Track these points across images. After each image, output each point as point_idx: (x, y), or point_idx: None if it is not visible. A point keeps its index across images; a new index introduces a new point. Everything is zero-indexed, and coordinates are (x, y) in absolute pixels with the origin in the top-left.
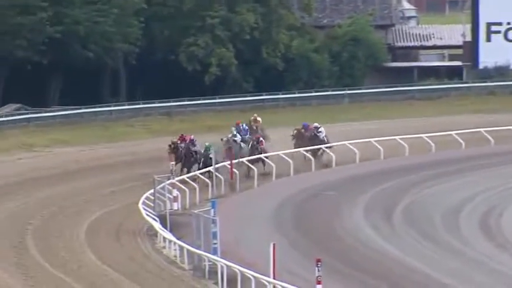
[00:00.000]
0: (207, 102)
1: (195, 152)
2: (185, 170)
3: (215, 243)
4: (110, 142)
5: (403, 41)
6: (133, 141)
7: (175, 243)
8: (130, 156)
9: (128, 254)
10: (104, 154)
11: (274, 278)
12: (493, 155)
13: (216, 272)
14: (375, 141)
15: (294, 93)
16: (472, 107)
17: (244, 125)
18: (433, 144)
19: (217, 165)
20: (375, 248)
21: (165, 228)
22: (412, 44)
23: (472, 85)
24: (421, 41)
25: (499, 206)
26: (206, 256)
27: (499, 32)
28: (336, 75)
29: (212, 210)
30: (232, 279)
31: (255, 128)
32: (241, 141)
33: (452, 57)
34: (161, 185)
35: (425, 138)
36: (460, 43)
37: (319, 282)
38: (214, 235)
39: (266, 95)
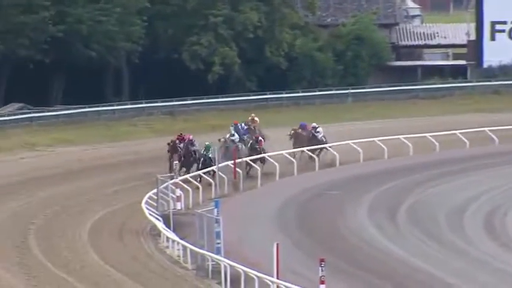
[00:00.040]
0: (210, 101)
1: (194, 151)
2: (184, 169)
3: (218, 243)
4: (113, 141)
5: (407, 39)
6: (136, 140)
7: (178, 243)
8: (133, 155)
9: (131, 253)
10: (106, 153)
11: (277, 278)
12: (498, 154)
13: (220, 272)
14: (379, 140)
15: (298, 92)
16: (476, 106)
17: (243, 125)
18: (437, 144)
19: (218, 165)
20: (379, 248)
21: (168, 227)
22: (416, 42)
23: (476, 84)
24: (425, 40)
25: (504, 206)
26: (209, 256)
27: (503, 30)
28: (340, 74)
29: (215, 210)
30: (235, 279)
31: (252, 128)
32: (238, 141)
33: (456, 56)
34: (164, 185)
35: (430, 137)
36: (464, 42)
37: (322, 282)
38: (218, 235)
39: (270, 94)
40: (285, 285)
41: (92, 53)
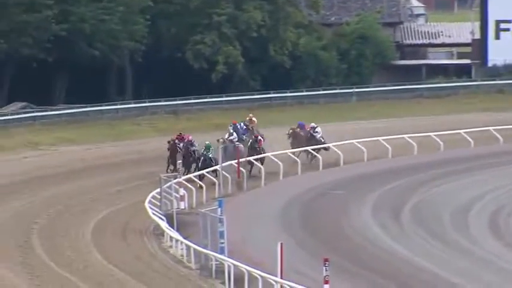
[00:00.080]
0: (213, 100)
1: (194, 151)
2: (183, 169)
3: (222, 243)
4: (116, 141)
5: (412, 38)
6: (140, 139)
7: (182, 242)
8: (136, 154)
9: (134, 253)
10: (110, 153)
11: (281, 278)
12: (502, 153)
13: (223, 272)
14: (383, 139)
15: (302, 91)
16: (480, 105)
17: (241, 124)
18: (441, 143)
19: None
20: (383, 247)
21: (172, 227)
22: (420, 41)
23: (480, 83)
24: (429, 39)
25: (508, 205)
26: (213, 255)
27: (508, 29)
28: (344, 73)
29: (219, 209)
30: (239, 279)
31: (250, 128)
32: (237, 140)
33: (460, 55)
34: (168, 184)
35: (434, 136)
36: (469, 41)
37: (326, 282)
38: (221, 234)
39: (273, 93)
40: (288, 285)
41: (95, 52)
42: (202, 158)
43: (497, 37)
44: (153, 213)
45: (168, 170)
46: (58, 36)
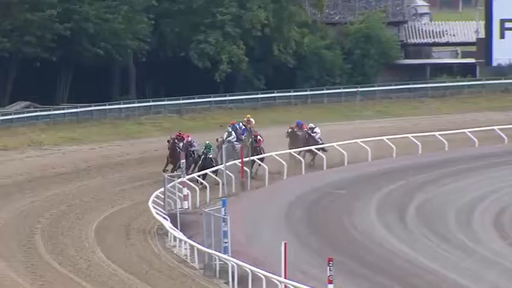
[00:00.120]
0: (217, 99)
1: (193, 152)
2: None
3: (226, 242)
4: (120, 140)
5: (416, 38)
6: (143, 139)
7: (185, 242)
8: (140, 154)
9: (138, 253)
10: (113, 152)
11: (285, 278)
12: (507, 153)
13: (227, 271)
14: (388, 139)
15: (306, 90)
16: (485, 104)
17: (240, 124)
18: (446, 142)
19: (225, 164)
20: (388, 247)
21: (176, 227)
22: (424, 41)
23: (485, 82)
24: (434, 38)
25: None
26: (217, 255)
27: None
28: (348, 73)
29: (223, 209)
30: (243, 279)
31: (248, 129)
32: (236, 140)
33: (465, 54)
34: (171, 184)
35: (438, 136)
36: (474, 40)
37: (330, 282)
38: (225, 234)
39: (277, 92)
40: (293, 285)
41: (99, 51)
42: (202, 158)
43: (502, 36)
44: (157, 213)
45: (166, 169)
46: (61, 35)
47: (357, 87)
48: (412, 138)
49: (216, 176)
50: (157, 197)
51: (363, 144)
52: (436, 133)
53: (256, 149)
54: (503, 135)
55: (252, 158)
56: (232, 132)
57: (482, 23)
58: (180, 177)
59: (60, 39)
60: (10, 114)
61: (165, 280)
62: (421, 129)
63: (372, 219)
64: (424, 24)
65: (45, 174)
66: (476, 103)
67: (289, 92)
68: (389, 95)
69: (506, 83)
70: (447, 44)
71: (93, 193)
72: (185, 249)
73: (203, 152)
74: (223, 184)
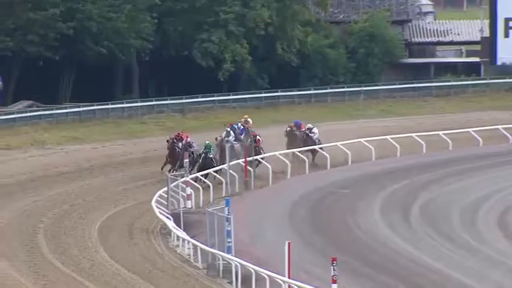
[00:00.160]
0: (220, 99)
1: (193, 152)
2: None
3: (229, 242)
4: (123, 139)
5: (420, 36)
6: (146, 138)
7: (189, 241)
8: (143, 153)
9: (141, 252)
10: (116, 151)
11: (289, 277)
12: (511, 152)
13: (230, 271)
14: (392, 138)
15: (310, 89)
16: (489, 103)
17: (239, 124)
18: (450, 142)
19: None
20: (392, 247)
21: (179, 226)
22: (429, 39)
23: (489, 81)
24: (438, 37)
25: None
26: (220, 255)
27: None
28: (352, 72)
29: (226, 209)
30: (246, 279)
31: (246, 129)
32: (234, 140)
33: (469, 53)
34: (174, 183)
35: (442, 135)
36: (478, 39)
37: (334, 281)
38: (229, 233)
39: (281, 91)
40: (296, 285)
41: (102, 50)
42: (202, 157)
43: (507, 35)
44: (160, 213)
45: (164, 168)
46: (64, 34)
47: (360, 87)
48: (416, 137)
49: (218, 175)
50: (160, 196)
51: (366, 144)
52: (440, 132)
53: (255, 149)
54: (508, 135)
55: (255, 157)
56: (231, 132)
57: (486, 21)
58: (183, 177)
59: (63, 38)
60: (13, 113)
61: (168, 280)
62: (425, 128)
63: (376, 219)
64: (428, 23)
65: (48, 173)
66: (480, 102)
67: (293, 91)
68: (394, 94)
69: (511, 82)
70: (451, 43)
71: (96, 192)
72: (188, 248)
73: (203, 151)
74: (226, 183)
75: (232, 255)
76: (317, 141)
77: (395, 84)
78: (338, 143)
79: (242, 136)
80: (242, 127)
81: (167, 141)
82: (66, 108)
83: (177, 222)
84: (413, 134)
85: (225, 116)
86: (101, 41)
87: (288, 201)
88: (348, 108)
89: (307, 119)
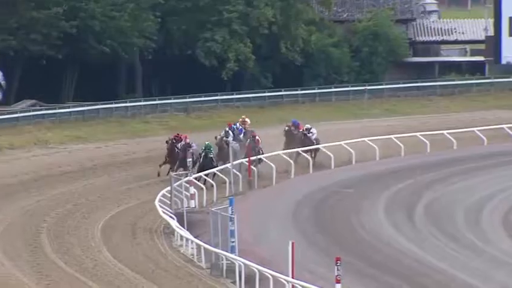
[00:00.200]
0: (224, 98)
1: (192, 153)
2: (180, 170)
3: (233, 242)
4: (126, 139)
5: (424, 35)
6: (150, 137)
7: (192, 241)
8: (146, 153)
9: (144, 252)
10: (119, 151)
11: (293, 277)
12: None
13: (234, 271)
14: (396, 137)
15: (314, 89)
16: (494, 102)
17: (237, 125)
18: (454, 141)
19: (232, 163)
20: (396, 247)
21: (182, 226)
22: (433, 38)
23: (494, 80)
24: (442, 36)
25: None
26: (224, 254)
27: None
28: (356, 71)
29: (230, 208)
30: (250, 278)
31: (244, 129)
32: (233, 139)
33: (474, 52)
34: (178, 183)
35: (447, 134)
36: (482, 38)
37: (338, 281)
38: (232, 233)
39: (285, 90)
40: (300, 285)
41: (105, 49)
42: (202, 157)
43: (511, 34)
44: (163, 212)
45: (162, 167)
46: (67, 33)
47: (364, 86)
48: (420, 136)
49: (221, 174)
50: (163, 195)
51: (370, 143)
52: (445, 131)
53: (254, 149)
54: None
55: (258, 157)
56: (230, 132)
57: (491, 20)
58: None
59: (66, 37)
60: (16, 112)
61: (172, 279)
62: (430, 127)
63: (380, 218)
64: (433, 21)
65: (51, 173)
66: (485, 101)
67: (297, 90)
68: (398, 93)
69: None
70: (456, 41)
71: (99, 192)
72: (192, 248)
73: (203, 151)
74: (230, 183)
75: (235, 255)
76: (315, 141)
77: (399, 83)
78: (342, 142)
79: (241, 136)
80: (240, 127)
81: (166, 142)
82: (69, 107)
83: (180, 221)
84: (418, 133)
85: (228, 115)
86: (104, 39)
87: (292, 201)
88: (352, 107)
89: (311, 118)
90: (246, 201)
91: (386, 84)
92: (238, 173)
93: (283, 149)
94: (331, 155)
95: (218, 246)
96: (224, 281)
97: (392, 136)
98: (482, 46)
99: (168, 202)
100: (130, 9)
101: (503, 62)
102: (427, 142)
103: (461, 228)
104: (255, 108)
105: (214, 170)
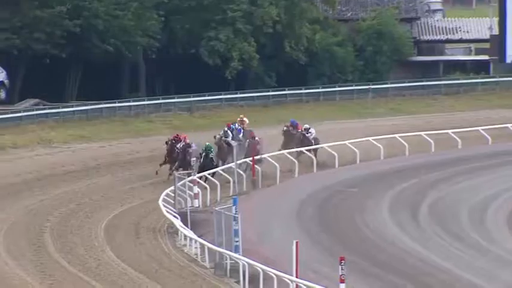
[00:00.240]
0: (228, 97)
1: (191, 153)
2: (181, 170)
3: (237, 241)
4: (129, 138)
5: (429, 34)
6: (153, 137)
7: (196, 241)
8: (149, 152)
9: (147, 251)
10: (123, 150)
11: (297, 277)
12: None
13: (238, 271)
14: (400, 137)
15: (318, 88)
16: (499, 101)
17: (236, 125)
18: (459, 140)
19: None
20: (400, 246)
21: (186, 225)
22: (438, 37)
23: (499, 79)
24: (447, 35)
25: None
26: (228, 254)
27: None
28: (360, 70)
29: (233, 207)
30: (254, 278)
31: (243, 129)
32: (232, 139)
33: (479, 51)
34: (181, 182)
35: (451, 134)
36: (487, 37)
37: (342, 281)
38: (236, 233)
39: (289, 90)
40: (304, 284)
41: (109, 48)
42: (203, 157)
43: None
44: (167, 211)
45: (161, 166)
46: (71, 32)
47: (369, 85)
48: (424, 136)
49: (224, 174)
50: (167, 195)
51: (375, 142)
52: (449, 131)
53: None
54: None
55: (258, 157)
56: (229, 132)
57: (496, 19)
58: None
59: (69, 36)
60: (19, 111)
61: (175, 279)
62: (434, 127)
63: (384, 218)
64: (437, 20)
65: (55, 172)
66: (489, 100)
67: (301, 89)
68: (402, 92)
69: None
70: (460, 40)
71: (103, 191)
72: (195, 248)
73: (203, 152)
74: (234, 182)
75: (239, 255)
76: (313, 141)
77: (404, 83)
78: (346, 142)
79: (240, 136)
80: (240, 127)
81: (166, 142)
82: (73, 106)
83: (184, 221)
84: (422, 133)
85: (232, 115)
86: (108, 38)
87: (296, 200)
88: (357, 106)
89: (315, 117)
90: (249, 200)
91: (391, 83)
92: (242, 172)
93: (280, 149)
94: (336, 154)
95: (222, 245)
96: (228, 281)
97: (396, 135)
98: (487, 45)
99: (172, 201)
100: (133, 8)
101: (508, 61)
102: (432, 141)
103: (466, 227)
104: (258, 107)
105: (214, 170)
